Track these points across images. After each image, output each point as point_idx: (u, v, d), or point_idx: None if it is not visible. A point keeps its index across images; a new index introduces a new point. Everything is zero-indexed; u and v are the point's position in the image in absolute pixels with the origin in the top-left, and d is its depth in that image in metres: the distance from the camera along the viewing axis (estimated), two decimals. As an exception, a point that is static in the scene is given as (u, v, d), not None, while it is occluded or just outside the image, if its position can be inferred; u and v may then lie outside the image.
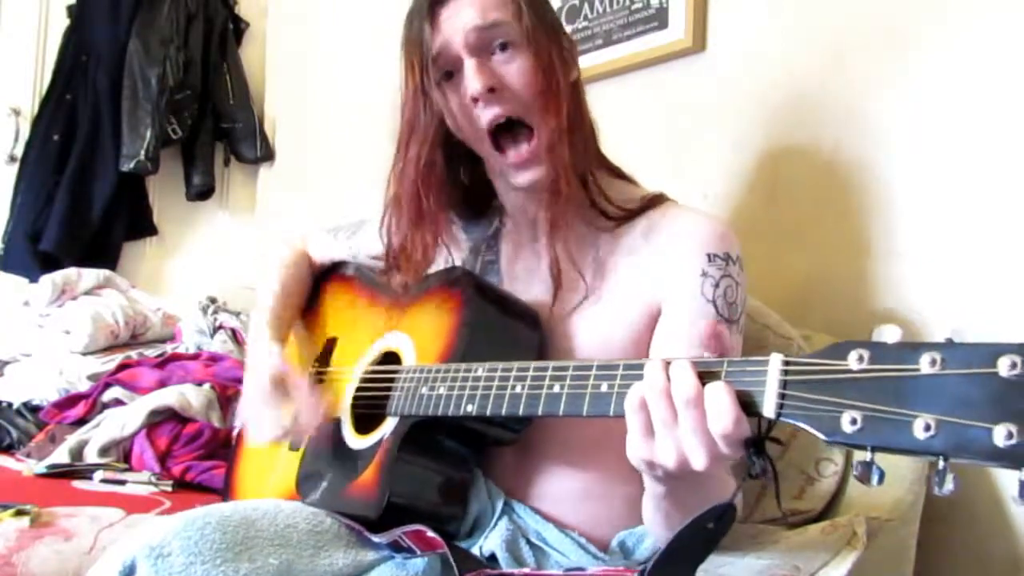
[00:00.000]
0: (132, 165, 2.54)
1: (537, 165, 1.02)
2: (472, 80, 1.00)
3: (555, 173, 1.02)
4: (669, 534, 0.84)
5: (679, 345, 0.96)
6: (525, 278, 1.10)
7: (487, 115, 1.01)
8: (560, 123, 1.01)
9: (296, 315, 1.27)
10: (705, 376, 0.67)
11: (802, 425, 0.60)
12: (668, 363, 0.69)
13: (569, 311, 1.03)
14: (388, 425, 1.00)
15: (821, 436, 0.58)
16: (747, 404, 0.65)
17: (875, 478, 0.57)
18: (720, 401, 0.65)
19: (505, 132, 1.03)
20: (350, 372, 1.12)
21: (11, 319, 2.31)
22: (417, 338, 1.05)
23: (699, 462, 0.67)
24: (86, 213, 2.58)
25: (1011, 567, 1.13)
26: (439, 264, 1.14)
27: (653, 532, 0.95)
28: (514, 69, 1.01)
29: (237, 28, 2.88)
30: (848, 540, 0.97)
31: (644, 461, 0.72)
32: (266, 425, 1.08)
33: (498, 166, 1.07)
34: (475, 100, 1.01)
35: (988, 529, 1.14)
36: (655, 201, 1.07)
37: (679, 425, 0.67)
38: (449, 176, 1.10)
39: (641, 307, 1.01)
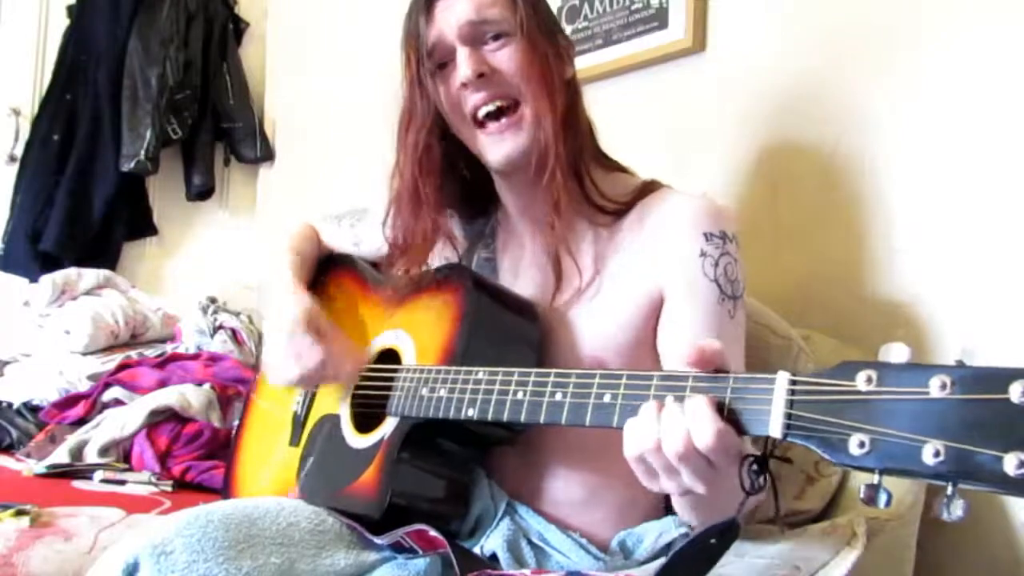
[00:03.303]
0: (132, 165, 2.54)
1: (515, 134, 1.02)
2: (463, 66, 1.02)
3: (540, 153, 1.01)
4: (704, 518, 0.84)
5: (687, 329, 0.97)
6: (523, 273, 1.10)
7: (474, 99, 1.02)
8: (552, 110, 1.01)
9: (310, 278, 1.26)
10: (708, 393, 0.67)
11: (809, 446, 0.59)
12: (662, 406, 0.69)
13: (568, 303, 1.03)
14: (388, 425, 1.00)
15: (828, 458, 0.58)
16: (726, 414, 0.66)
17: (882, 500, 0.56)
18: (701, 417, 0.66)
19: (493, 119, 1.03)
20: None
21: (11, 319, 2.31)
22: (417, 336, 1.05)
23: (701, 490, 0.69)
24: (86, 213, 2.58)
25: (1011, 567, 1.13)
26: (439, 260, 1.14)
27: (683, 520, 0.95)
28: (505, 56, 1.03)
29: (237, 28, 2.87)
30: (848, 540, 0.97)
31: (654, 490, 0.74)
32: (296, 359, 1.05)
33: (479, 147, 1.06)
34: (464, 86, 1.02)
35: (988, 529, 1.14)
36: (648, 188, 1.07)
37: (679, 473, 0.69)
38: (447, 167, 1.11)
39: (642, 294, 1.01)
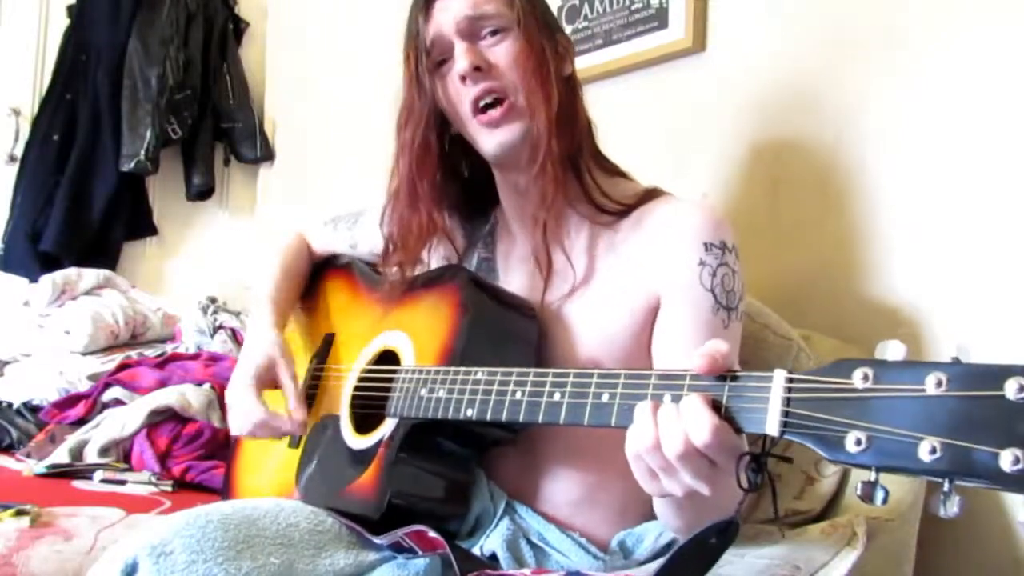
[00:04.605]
0: (132, 165, 2.54)
1: (509, 124, 1.02)
2: (460, 60, 1.02)
3: (532, 144, 1.01)
4: (683, 524, 0.85)
5: (680, 336, 0.97)
6: (521, 272, 1.11)
7: (473, 92, 1.03)
8: (547, 103, 1.01)
9: (295, 300, 1.28)
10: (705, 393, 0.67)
11: (805, 443, 0.59)
12: (658, 405, 0.69)
13: (560, 301, 1.04)
14: (388, 426, 1.00)
15: (825, 455, 0.58)
16: (721, 410, 0.66)
17: (879, 498, 0.56)
18: (697, 415, 0.66)
19: (491, 110, 1.03)
20: (348, 370, 1.12)
21: (11, 319, 2.31)
22: (415, 336, 1.05)
23: (706, 491, 0.69)
24: (86, 213, 2.58)
25: (1011, 567, 1.13)
26: (437, 260, 1.15)
27: (668, 526, 0.95)
28: (502, 50, 1.03)
29: (237, 28, 2.88)
30: (848, 540, 0.96)
31: (655, 494, 0.74)
32: (243, 415, 1.08)
33: (476, 137, 1.06)
34: (463, 79, 1.03)
35: (988, 529, 1.14)
36: (651, 195, 1.07)
37: (678, 472, 0.68)
38: (446, 167, 1.11)
39: (638, 297, 1.01)
